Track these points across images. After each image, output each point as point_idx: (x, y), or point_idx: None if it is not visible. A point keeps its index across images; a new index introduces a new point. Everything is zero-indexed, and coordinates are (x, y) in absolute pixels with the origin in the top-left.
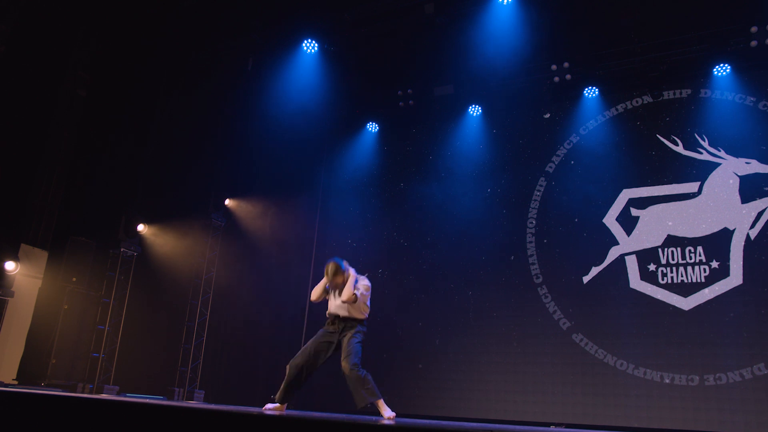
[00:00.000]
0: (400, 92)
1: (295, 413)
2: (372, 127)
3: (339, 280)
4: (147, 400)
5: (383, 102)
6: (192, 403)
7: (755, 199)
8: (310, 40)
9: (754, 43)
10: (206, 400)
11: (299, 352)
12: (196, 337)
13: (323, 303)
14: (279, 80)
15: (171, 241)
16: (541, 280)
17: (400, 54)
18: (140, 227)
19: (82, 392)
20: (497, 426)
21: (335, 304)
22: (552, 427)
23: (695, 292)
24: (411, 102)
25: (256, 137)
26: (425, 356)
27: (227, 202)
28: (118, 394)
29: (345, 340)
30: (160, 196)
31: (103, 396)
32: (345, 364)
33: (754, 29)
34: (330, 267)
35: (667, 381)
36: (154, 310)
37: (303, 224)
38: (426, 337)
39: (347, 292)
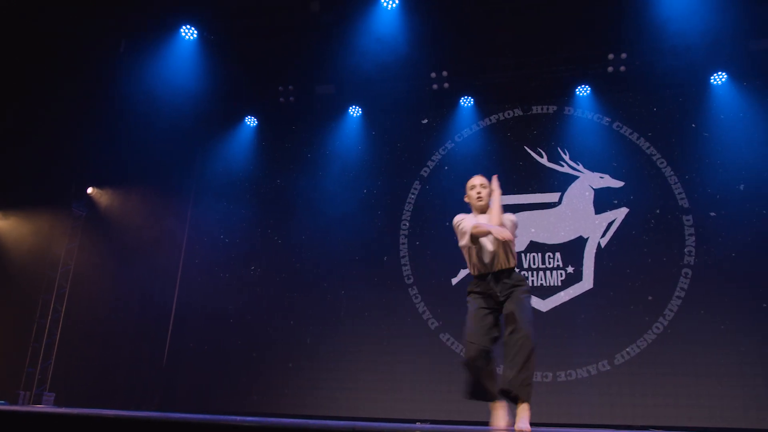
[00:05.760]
0: (281, 88)
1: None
2: (251, 121)
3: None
4: None
5: (263, 97)
6: (43, 408)
7: (606, 211)
8: (188, 26)
9: (610, 69)
10: (57, 404)
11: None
12: (48, 334)
13: (193, 297)
14: (154, 65)
15: (22, 230)
16: (412, 281)
17: (282, 49)
18: None
19: None
20: (363, 423)
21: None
22: (417, 424)
23: (552, 295)
24: (292, 99)
25: (126, 124)
26: (296, 355)
27: (90, 190)
28: None
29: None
30: (11, 180)
31: None
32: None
33: (610, 56)
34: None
35: None
36: None
37: (173, 217)
38: (297, 335)
39: (497, 222)
